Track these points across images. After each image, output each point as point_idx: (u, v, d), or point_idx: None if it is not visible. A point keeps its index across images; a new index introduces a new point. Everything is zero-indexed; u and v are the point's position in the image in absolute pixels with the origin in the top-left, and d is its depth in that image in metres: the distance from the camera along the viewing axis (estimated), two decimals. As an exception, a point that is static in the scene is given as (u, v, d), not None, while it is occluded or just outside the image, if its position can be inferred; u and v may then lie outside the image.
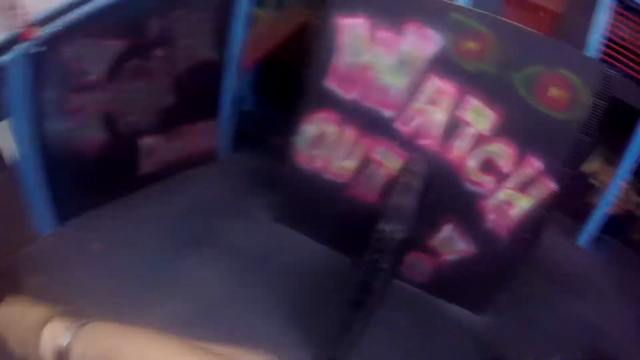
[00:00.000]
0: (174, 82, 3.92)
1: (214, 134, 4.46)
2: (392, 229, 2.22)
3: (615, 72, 3.02)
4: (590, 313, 4.04)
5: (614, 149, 5.11)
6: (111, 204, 3.71)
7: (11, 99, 2.91)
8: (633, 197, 5.49)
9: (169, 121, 4.04)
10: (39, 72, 2.94)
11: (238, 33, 4.18)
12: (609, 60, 4.77)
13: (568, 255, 4.76)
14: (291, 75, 5.26)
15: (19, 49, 2.81)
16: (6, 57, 2.78)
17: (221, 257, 3.50)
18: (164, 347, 0.44)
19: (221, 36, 4.12)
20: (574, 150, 3.09)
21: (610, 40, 4.83)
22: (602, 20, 4.86)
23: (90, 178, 3.57)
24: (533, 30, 3.18)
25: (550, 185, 3.17)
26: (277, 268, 3.50)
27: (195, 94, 4.15)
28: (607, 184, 5.22)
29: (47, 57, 2.94)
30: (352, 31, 3.22)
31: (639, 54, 4.86)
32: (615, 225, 5.29)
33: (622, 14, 4.86)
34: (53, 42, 2.95)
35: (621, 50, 4.81)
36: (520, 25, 3.16)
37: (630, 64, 4.82)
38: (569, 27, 4.96)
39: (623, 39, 4.89)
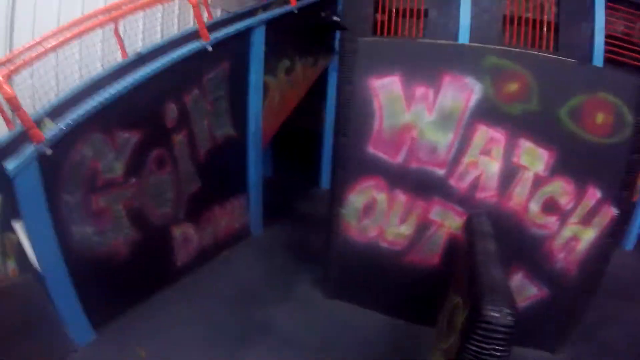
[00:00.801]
0: (198, 165, 3.76)
1: (244, 211, 4.28)
2: (502, 315, 2.04)
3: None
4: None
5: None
6: (149, 300, 3.49)
7: (23, 207, 2.69)
8: (666, 188, 5.44)
9: (199, 206, 3.86)
10: (51, 176, 2.75)
11: (254, 104, 4.04)
12: (614, 57, 4.76)
13: (619, 264, 4.62)
14: (306, 136, 5.20)
15: (25, 152, 2.62)
16: (12, 163, 2.57)
17: (281, 348, 3.25)
18: None
19: (238, 110, 3.98)
20: (627, 171, 3.00)
21: (610, 37, 4.82)
22: (601, 21, 4.85)
23: (124, 278, 3.36)
24: (563, 58, 3.09)
25: (611, 211, 3.04)
26: (344, 348, 3.27)
27: (221, 174, 3.99)
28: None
29: (58, 158, 2.77)
30: (387, 92, 3.10)
31: (637, 44, 4.87)
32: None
33: (613, 9, 4.86)
34: (63, 141, 2.78)
35: (622, 44, 4.80)
36: (550, 56, 3.07)
37: (636, 55, 4.80)
38: (569, 35, 4.95)
39: (622, 34, 4.90)
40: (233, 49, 3.83)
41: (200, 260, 3.93)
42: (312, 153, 5.02)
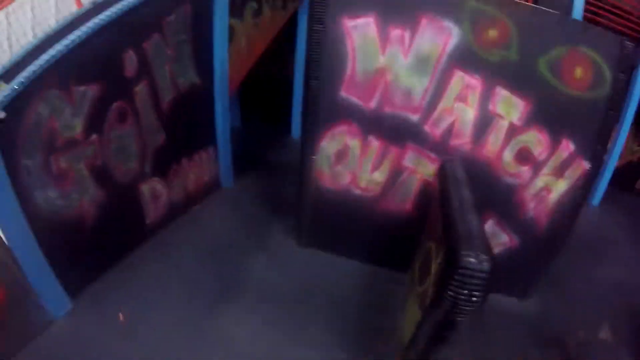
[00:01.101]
0: (163, 116, 3.56)
1: (213, 163, 4.14)
2: (479, 261, 2.04)
3: (630, 43, 2.90)
4: (620, 273, 4.08)
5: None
6: (123, 262, 3.39)
7: None
8: (634, 148, 5.54)
9: (167, 159, 3.70)
10: (7, 140, 2.53)
11: (220, 50, 3.82)
12: (593, 17, 4.71)
13: (585, 219, 4.76)
14: (276, 83, 5.01)
15: None
16: None
17: (259, 300, 3.23)
18: None
19: (203, 56, 3.76)
20: (602, 127, 3.02)
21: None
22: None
23: (95, 242, 3.21)
24: (547, 9, 3.01)
25: (584, 165, 3.08)
26: (322, 297, 3.28)
27: (187, 125, 3.81)
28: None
29: (14, 120, 2.53)
30: (361, 34, 2.95)
31: (619, 7, 4.82)
32: (621, 178, 5.35)
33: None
34: (17, 102, 2.52)
35: (602, 5, 4.74)
36: (534, 6, 2.99)
37: (613, 17, 4.76)
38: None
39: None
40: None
41: (171, 216, 3.80)
42: (282, 101, 4.86)
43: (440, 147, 3.10)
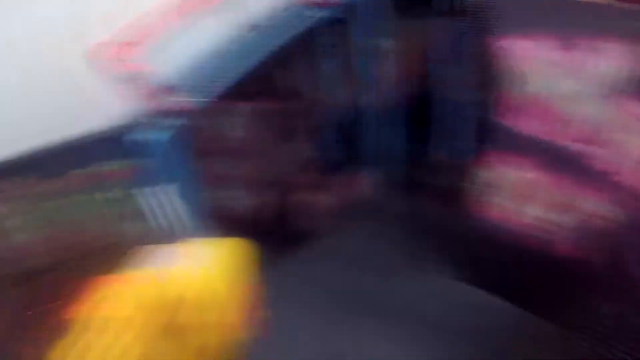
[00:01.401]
0: (316, 134, 3.82)
1: (364, 182, 4.23)
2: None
3: None
4: None
5: None
6: (271, 265, 3.58)
7: (175, 174, 2.90)
8: None
9: (318, 174, 3.93)
10: (185, 145, 2.90)
11: (366, 69, 3.88)
12: None
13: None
14: (420, 103, 4.89)
15: (164, 124, 2.77)
16: (157, 135, 2.75)
17: (401, 325, 3.16)
18: None
19: (354, 77, 3.89)
20: None
21: None
22: None
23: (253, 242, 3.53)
24: None
25: None
26: (469, 332, 3.07)
27: (342, 142, 3.99)
28: None
29: (193, 128, 2.90)
30: (526, 56, 2.74)
31: None
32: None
33: None
34: (200, 112, 2.90)
35: None
36: None
37: None
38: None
39: None
40: (354, 13, 3.68)
41: (318, 229, 3.95)
42: (427, 120, 4.73)
43: (627, 188, 2.66)
